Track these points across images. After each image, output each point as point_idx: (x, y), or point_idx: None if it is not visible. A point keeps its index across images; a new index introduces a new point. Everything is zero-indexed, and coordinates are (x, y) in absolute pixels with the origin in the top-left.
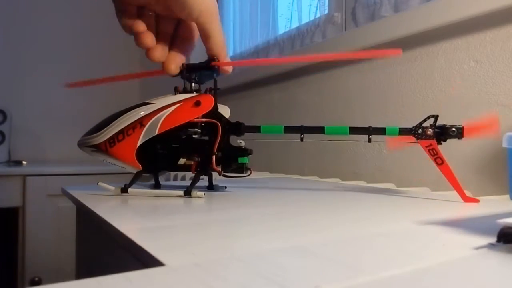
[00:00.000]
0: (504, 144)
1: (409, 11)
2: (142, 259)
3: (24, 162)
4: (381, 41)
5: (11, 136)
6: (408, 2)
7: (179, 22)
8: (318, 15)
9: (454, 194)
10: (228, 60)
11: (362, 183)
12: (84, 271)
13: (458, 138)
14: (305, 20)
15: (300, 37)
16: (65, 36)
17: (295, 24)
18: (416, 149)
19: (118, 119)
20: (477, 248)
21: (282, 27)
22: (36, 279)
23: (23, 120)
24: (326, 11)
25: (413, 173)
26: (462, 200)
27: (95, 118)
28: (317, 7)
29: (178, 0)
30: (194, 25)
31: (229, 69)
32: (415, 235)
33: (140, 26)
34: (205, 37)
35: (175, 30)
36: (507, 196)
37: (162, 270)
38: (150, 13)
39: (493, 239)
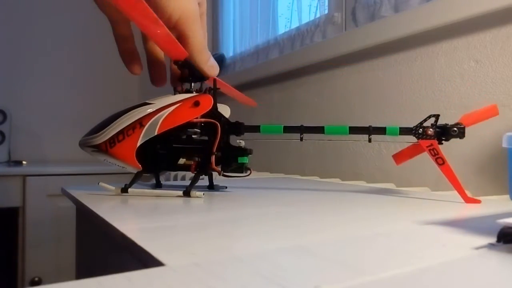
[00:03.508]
0: (504, 144)
1: (409, 11)
2: (142, 259)
3: (24, 162)
4: (381, 41)
5: (11, 136)
6: (408, 2)
7: None
8: (318, 15)
9: (454, 194)
10: (209, 63)
11: (362, 183)
12: (84, 271)
13: (460, 138)
14: (305, 20)
15: (300, 37)
16: (65, 35)
17: (295, 24)
18: None
19: (118, 120)
20: (477, 248)
21: (282, 27)
22: (36, 279)
23: (23, 120)
24: (326, 11)
25: (413, 173)
26: (462, 201)
27: (95, 118)
28: (317, 7)
29: (158, 6)
30: None
31: (213, 73)
32: (415, 235)
33: (138, 70)
34: (183, 41)
35: None
36: (507, 196)
37: (162, 270)
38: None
39: (493, 239)
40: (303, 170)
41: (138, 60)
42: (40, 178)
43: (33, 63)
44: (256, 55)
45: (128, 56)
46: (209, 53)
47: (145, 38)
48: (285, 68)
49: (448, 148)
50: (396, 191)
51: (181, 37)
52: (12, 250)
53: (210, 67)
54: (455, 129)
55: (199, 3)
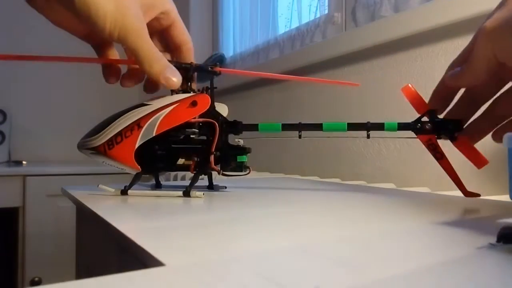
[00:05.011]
0: (504, 144)
1: (409, 11)
2: (142, 259)
3: (24, 162)
4: (381, 41)
5: (11, 136)
6: (408, 2)
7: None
8: (318, 15)
9: (454, 194)
10: (164, 74)
11: (362, 183)
12: (84, 271)
13: (458, 131)
14: (305, 20)
15: (300, 37)
16: (65, 36)
17: (295, 24)
18: (416, 149)
19: (115, 121)
20: (477, 248)
21: (282, 27)
22: (36, 279)
23: (23, 120)
24: (326, 11)
25: (413, 173)
26: (462, 199)
27: (95, 118)
28: (317, 7)
29: (96, 25)
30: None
31: (171, 84)
32: (415, 235)
33: (114, 80)
34: (132, 55)
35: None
36: (507, 196)
37: (162, 270)
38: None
39: (493, 239)
40: (303, 170)
41: (118, 71)
42: (40, 178)
43: (33, 63)
44: (256, 55)
45: (106, 66)
46: (165, 62)
47: None
48: (285, 68)
49: (448, 147)
50: (396, 191)
51: (129, 51)
52: (12, 250)
53: (166, 78)
54: (453, 123)
55: (164, 11)
